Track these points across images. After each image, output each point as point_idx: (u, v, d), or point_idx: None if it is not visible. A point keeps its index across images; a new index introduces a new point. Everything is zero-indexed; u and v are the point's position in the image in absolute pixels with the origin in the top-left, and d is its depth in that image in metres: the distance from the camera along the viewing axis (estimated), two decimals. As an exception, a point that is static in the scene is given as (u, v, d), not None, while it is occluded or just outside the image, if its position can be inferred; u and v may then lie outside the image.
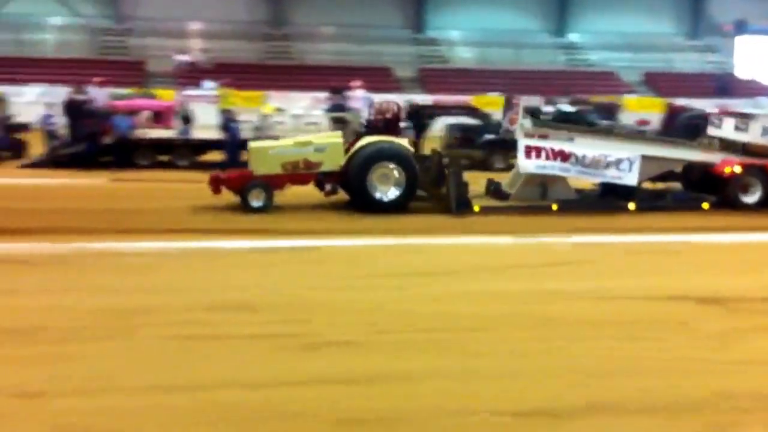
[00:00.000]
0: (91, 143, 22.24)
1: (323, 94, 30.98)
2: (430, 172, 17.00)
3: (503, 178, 18.16)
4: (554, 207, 16.50)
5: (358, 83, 28.73)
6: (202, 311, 9.58)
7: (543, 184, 16.97)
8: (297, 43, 47.16)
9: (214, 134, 23.63)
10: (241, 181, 16.37)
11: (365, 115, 21.01)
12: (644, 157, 16.72)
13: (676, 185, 18.49)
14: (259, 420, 6.76)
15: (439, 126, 21.88)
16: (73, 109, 23.20)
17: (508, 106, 17.54)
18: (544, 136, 16.73)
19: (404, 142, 16.80)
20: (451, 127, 24.28)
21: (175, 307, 9.79)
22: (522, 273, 11.94)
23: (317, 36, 47.10)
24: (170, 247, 13.11)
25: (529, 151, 16.64)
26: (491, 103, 29.33)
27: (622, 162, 16.60)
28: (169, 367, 7.85)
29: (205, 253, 12.88)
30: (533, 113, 19.78)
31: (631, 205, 16.66)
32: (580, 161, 16.53)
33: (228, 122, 22.65)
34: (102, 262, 12.12)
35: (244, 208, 16.07)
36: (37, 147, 23.77)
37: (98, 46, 43.96)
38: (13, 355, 8.13)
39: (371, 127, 17.53)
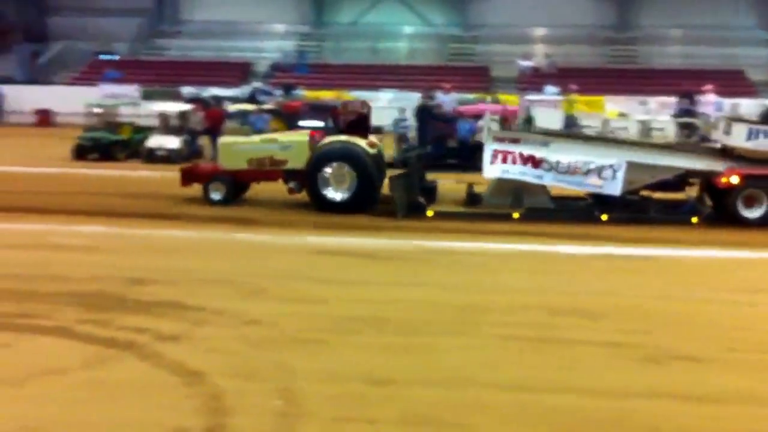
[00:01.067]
0: (438, 146, 23.20)
1: (670, 99, 29.82)
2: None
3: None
4: (515, 215, 15.39)
5: (709, 87, 27.31)
6: (542, 314, 9.66)
7: (516, 190, 15.65)
8: (643, 46, 45.79)
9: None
10: (205, 174, 16.98)
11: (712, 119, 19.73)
12: (631, 165, 15.02)
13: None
14: (594, 429, 6.68)
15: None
16: (423, 113, 24.39)
17: None
18: (514, 141, 15.47)
19: (361, 142, 16.25)
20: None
21: (515, 307, 9.96)
22: None
23: (665, 39, 45.38)
24: (508, 248, 13.35)
25: (495, 155, 15.46)
26: None
27: (605, 169, 15.02)
28: (510, 366, 8.00)
29: (541, 257, 12.96)
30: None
31: (604, 216, 15.19)
32: (553, 167, 15.16)
33: (570, 127, 22.57)
34: (442, 259, 12.66)
35: (205, 200, 16.65)
36: (388, 149, 25.24)
37: (446, 53, 45.73)
38: (365, 343, 8.71)
39: (338, 128, 17.17)
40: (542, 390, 7.42)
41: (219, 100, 31.46)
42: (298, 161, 16.49)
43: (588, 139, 16.73)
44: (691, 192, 16.18)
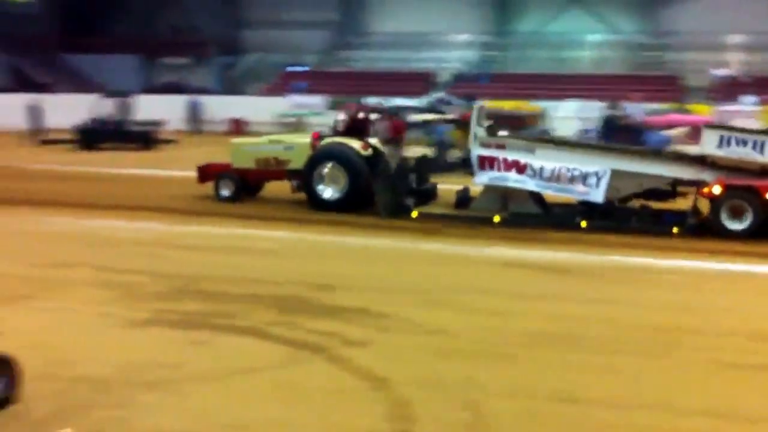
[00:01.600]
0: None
1: None
2: None
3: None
4: (496, 219, 15.45)
5: None
6: (744, 338, 9.10)
7: (504, 195, 15.78)
8: None
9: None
10: (216, 172, 18.06)
11: None
12: (617, 172, 14.84)
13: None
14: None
15: None
16: (610, 124, 23.75)
17: None
18: (500, 146, 15.60)
19: (355, 144, 16.75)
20: None
21: (712, 329, 9.45)
22: None
23: None
24: (702, 267, 12.73)
25: (483, 161, 15.70)
26: None
27: (589, 176, 14.90)
28: (707, 392, 7.58)
29: (735, 276, 12.27)
30: None
31: (583, 223, 15.01)
32: (537, 174, 15.22)
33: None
34: (632, 276, 12.21)
35: (216, 197, 17.83)
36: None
37: (633, 62, 44.40)
38: (554, 360, 8.49)
39: (337, 130, 17.68)
40: (742, 419, 6.97)
41: (401, 110, 31.85)
42: (300, 161, 17.22)
43: (573, 145, 16.42)
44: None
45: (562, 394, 7.51)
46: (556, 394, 7.54)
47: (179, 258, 12.93)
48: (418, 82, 40.81)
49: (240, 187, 18.00)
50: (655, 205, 15.74)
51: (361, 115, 17.99)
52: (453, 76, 41.94)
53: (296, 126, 27.92)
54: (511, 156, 15.54)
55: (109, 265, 12.35)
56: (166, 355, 8.60)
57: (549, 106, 31.44)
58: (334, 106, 33.33)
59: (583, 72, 42.55)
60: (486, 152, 15.78)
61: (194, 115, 34.12)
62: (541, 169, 15.24)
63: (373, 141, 17.41)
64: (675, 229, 14.76)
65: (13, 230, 14.71)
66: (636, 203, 15.77)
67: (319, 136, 17.70)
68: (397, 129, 26.12)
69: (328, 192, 16.83)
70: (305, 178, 16.94)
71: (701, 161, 14.97)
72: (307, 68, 43.40)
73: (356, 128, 17.57)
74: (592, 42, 45.78)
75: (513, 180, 15.55)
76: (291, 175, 17.52)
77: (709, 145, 14.91)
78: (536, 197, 15.93)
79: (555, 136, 19.79)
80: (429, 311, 10.09)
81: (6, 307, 9.36)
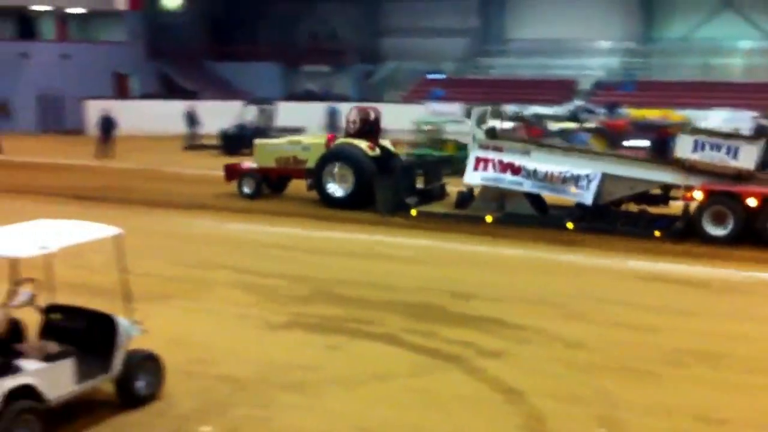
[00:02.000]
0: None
1: None
2: None
3: None
4: (488, 219, 15.88)
5: None
6: None
7: (501, 196, 16.21)
8: None
9: None
10: (240, 171, 19.06)
11: None
12: (609, 176, 15.19)
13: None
14: None
15: None
16: (762, 134, 22.66)
17: None
18: (498, 149, 15.99)
19: (362, 145, 17.52)
20: None
21: None
22: None
23: None
24: None
25: (477, 162, 16.16)
26: None
27: (580, 179, 15.27)
28: None
29: None
30: None
31: (570, 225, 15.31)
32: (532, 175, 15.65)
33: None
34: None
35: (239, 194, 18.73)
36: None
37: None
38: (697, 378, 8.16)
39: (348, 132, 18.40)
40: None
41: (540, 118, 31.39)
42: (316, 161, 17.97)
43: (567, 149, 16.72)
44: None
45: (703, 413, 7.20)
46: (697, 413, 7.22)
47: (317, 262, 13.13)
48: (558, 89, 40.14)
49: (260, 185, 18.98)
50: (654, 209, 15.73)
51: (371, 117, 18.64)
52: (594, 83, 41.06)
53: (433, 134, 27.89)
54: (507, 158, 15.95)
55: (249, 267, 12.66)
56: (304, 357, 8.73)
57: (696, 115, 30.29)
58: (469, 114, 33.24)
59: (734, 80, 40.81)
60: (483, 154, 16.21)
61: (332, 122, 34.67)
62: (535, 171, 15.69)
63: (385, 142, 18.27)
64: (657, 233, 14.69)
65: (159, 231, 15.28)
66: (635, 208, 15.84)
67: (333, 138, 18.74)
68: (536, 137, 25.79)
69: (337, 190, 17.63)
70: (316, 176, 17.84)
71: (683, 166, 14.87)
72: (444, 76, 43.43)
73: (367, 130, 18.26)
74: (744, 48, 43.87)
75: (508, 181, 15.96)
76: (308, 173, 18.36)
77: (684, 149, 14.96)
78: (535, 199, 16.15)
79: (549, 141, 19.55)
80: (567, 324, 9.87)
81: (151, 306, 9.70)
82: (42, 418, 6.55)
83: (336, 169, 17.57)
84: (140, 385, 7.45)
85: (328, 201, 17.63)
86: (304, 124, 30.45)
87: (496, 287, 11.63)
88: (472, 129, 16.79)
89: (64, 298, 7.74)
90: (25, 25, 39.60)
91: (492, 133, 16.67)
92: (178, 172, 23.72)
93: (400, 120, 33.38)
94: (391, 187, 17.02)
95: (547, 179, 15.60)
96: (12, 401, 6.38)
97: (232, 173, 19.48)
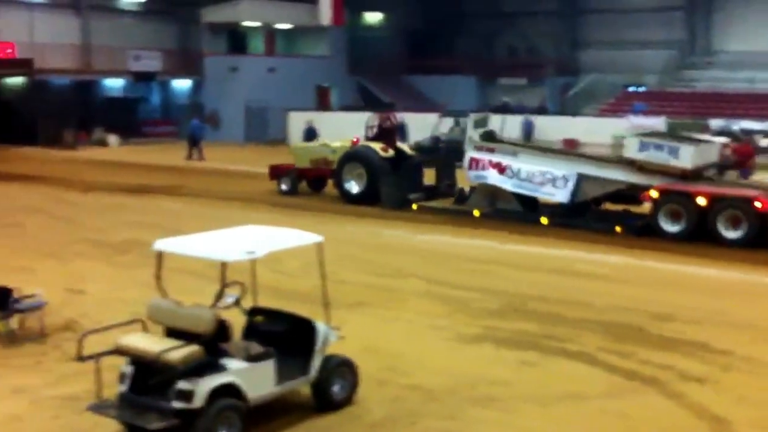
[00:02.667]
0: None
1: None
2: None
3: None
4: (476, 213, 17.66)
5: None
6: None
7: (493, 194, 17.71)
8: None
9: None
10: (280, 171, 21.47)
11: None
12: (582, 176, 16.62)
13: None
14: None
15: None
16: None
17: None
18: (490, 150, 17.69)
19: (377, 147, 19.60)
20: None
21: None
22: None
23: None
24: None
25: (471, 162, 17.91)
26: None
27: (558, 180, 16.69)
28: None
29: None
30: None
31: (544, 220, 16.86)
32: (515, 175, 17.16)
33: None
34: None
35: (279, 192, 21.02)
36: None
37: None
38: None
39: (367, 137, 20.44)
40: None
41: (749, 133, 29.74)
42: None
43: (548, 151, 18.52)
44: None
45: None
46: None
47: (509, 276, 12.97)
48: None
49: (297, 184, 21.26)
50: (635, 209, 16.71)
51: (388, 123, 20.63)
52: (810, 97, 38.43)
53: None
54: (496, 158, 17.61)
55: (442, 279, 12.69)
56: (495, 372, 8.64)
57: None
58: (674, 129, 31.93)
59: None
60: (477, 155, 17.89)
61: (527, 135, 34.32)
62: (519, 170, 17.21)
63: (403, 146, 20.77)
64: (618, 229, 15.99)
65: (352, 240, 15.57)
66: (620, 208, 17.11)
67: (358, 141, 20.56)
68: (743, 154, 24.43)
69: (353, 187, 19.72)
70: (336, 175, 20.07)
71: (638, 167, 16.16)
72: (645, 89, 42.02)
73: (384, 134, 20.34)
74: None
75: (493, 179, 17.55)
76: (332, 173, 20.51)
77: (631, 150, 16.40)
78: (527, 198, 17.40)
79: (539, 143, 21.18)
80: (777, 351, 9.23)
81: (347, 313, 9.91)
82: (243, 416, 6.81)
83: (354, 170, 19.73)
84: (336, 389, 7.60)
85: (347, 197, 19.77)
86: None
87: (701, 310, 11.02)
88: (468, 132, 18.90)
89: (264, 301, 8.05)
90: (237, 40, 41.73)
91: (487, 137, 18.56)
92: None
93: (597, 133, 32.62)
94: (395, 184, 19.15)
95: (527, 179, 17.12)
96: (215, 399, 6.68)
97: (274, 173, 21.77)
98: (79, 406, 7.33)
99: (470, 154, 18.12)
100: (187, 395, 6.58)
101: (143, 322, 7.31)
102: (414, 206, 18.71)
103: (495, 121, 20.41)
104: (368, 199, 19.33)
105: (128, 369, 6.92)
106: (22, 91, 35.61)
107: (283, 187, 21.38)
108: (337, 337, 7.74)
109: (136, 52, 36.77)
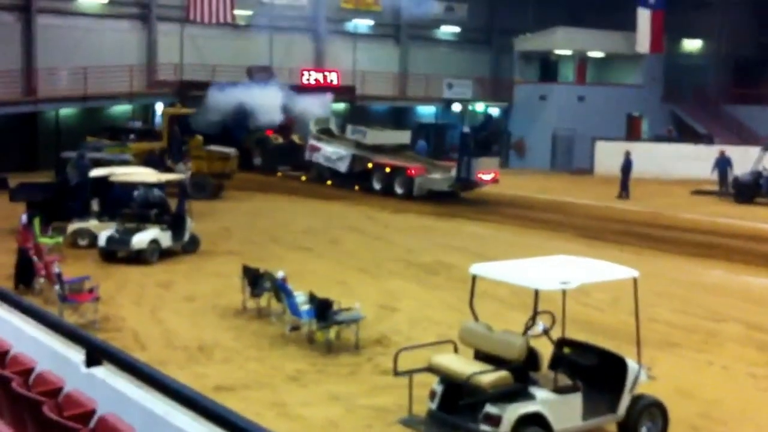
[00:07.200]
0: None
1: None
2: None
3: None
4: (303, 178, 28.40)
5: None
6: None
7: (319, 168, 28.30)
8: None
9: None
10: None
11: None
12: (353, 155, 26.98)
13: None
14: None
15: None
16: None
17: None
18: (319, 138, 28.20)
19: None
20: None
21: None
22: None
23: None
24: None
25: (310, 148, 28.14)
26: None
27: (342, 157, 27.07)
28: None
29: None
30: None
31: (329, 182, 27.31)
32: (322, 155, 27.67)
33: None
34: None
35: None
36: None
37: None
38: None
39: None
40: None
41: None
42: None
43: (340, 140, 28.10)
44: None
45: None
46: None
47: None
48: None
49: None
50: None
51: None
52: None
53: None
54: (319, 144, 27.80)
55: (763, 324, 11.79)
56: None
57: None
58: None
59: None
60: (314, 143, 27.87)
61: None
62: (325, 152, 27.47)
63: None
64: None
65: (666, 276, 14.84)
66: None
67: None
68: None
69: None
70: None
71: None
72: None
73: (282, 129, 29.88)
74: None
75: (315, 157, 27.75)
76: None
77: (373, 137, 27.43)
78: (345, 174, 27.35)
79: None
80: None
81: (659, 353, 9.50)
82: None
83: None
84: (644, 431, 7.31)
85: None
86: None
87: None
88: (312, 128, 28.28)
89: (571, 333, 7.91)
90: (548, 68, 41.77)
91: (322, 131, 28.37)
92: (681, 218, 22.94)
93: None
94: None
95: (329, 157, 27.32)
96: (521, 426, 6.67)
97: None
98: (389, 417, 7.64)
99: (310, 142, 28.29)
100: (494, 419, 6.63)
101: (454, 344, 7.48)
102: (279, 174, 28.90)
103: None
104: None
105: (439, 388, 7.11)
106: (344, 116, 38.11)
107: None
108: (648, 377, 7.45)
109: (449, 80, 38.04)
